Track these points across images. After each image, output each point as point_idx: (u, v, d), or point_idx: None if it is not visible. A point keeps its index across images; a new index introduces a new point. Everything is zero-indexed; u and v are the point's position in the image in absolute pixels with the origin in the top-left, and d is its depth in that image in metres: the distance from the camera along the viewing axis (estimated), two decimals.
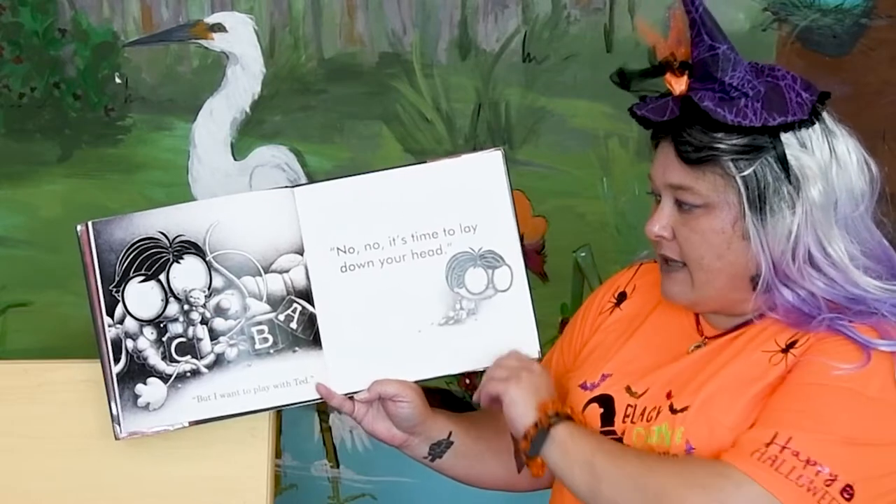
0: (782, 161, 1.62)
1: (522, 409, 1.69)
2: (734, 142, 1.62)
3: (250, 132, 2.44)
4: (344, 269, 1.80)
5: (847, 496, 1.55)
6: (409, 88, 2.42)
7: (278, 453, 2.45)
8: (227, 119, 2.43)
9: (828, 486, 1.54)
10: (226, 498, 1.86)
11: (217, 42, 2.42)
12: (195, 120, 2.43)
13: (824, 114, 1.66)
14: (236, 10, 2.41)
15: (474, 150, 2.39)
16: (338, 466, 2.54)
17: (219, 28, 2.41)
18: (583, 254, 2.44)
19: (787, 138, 1.63)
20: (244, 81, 2.42)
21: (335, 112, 2.43)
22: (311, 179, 2.43)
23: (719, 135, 1.62)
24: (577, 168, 2.43)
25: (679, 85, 1.67)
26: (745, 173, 1.62)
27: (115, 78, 2.43)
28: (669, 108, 1.67)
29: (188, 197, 2.43)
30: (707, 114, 1.62)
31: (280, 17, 2.41)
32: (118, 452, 1.80)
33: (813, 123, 1.64)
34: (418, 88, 2.42)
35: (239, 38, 2.42)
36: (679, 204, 1.67)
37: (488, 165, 1.82)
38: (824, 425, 1.56)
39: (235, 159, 2.45)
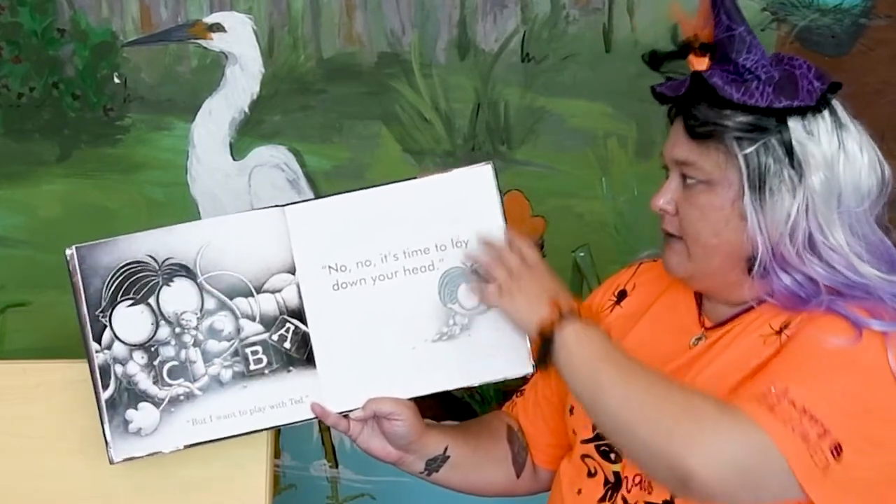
0: (787, 146, 1.64)
1: (526, 317, 1.70)
2: (739, 119, 1.64)
3: (249, 132, 2.44)
4: (336, 287, 1.79)
5: (836, 454, 1.54)
6: (407, 88, 2.42)
7: (277, 453, 2.45)
8: (226, 119, 2.43)
9: (820, 438, 1.54)
10: (225, 498, 1.86)
11: (216, 42, 2.42)
12: (194, 120, 2.43)
13: (839, 108, 1.68)
14: (235, 10, 2.41)
15: (472, 150, 2.39)
16: (337, 466, 2.54)
17: (218, 28, 2.41)
18: (581, 254, 2.44)
19: (793, 124, 1.64)
20: (243, 81, 2.42)
21: (334, 112, 2.43)
22: (310, 179, 2.43)
23: (725, 111, 1.65)
24: (575, 168, 2.43)
25: (700, 65, 1.69)
26: (747, 152, 1.64)
27: (114, 78, 2.43)
28: (685, 85, 1.69)
29: (187, 197, 2.43)
30: (715, 90, 1.64)
31: (279, 17, 2.41)
32: None
33: (819, 111, 1.66)
34: (417, 88, 2.42)
35: (238, 38, 2.41)
36: (684, 179, 1.69)
37: (479, 179, 1.80)
38: (820, 383, 1.57)
39: (234, 159, 2.45)
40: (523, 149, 2.43)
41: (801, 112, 1.64)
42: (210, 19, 2.41)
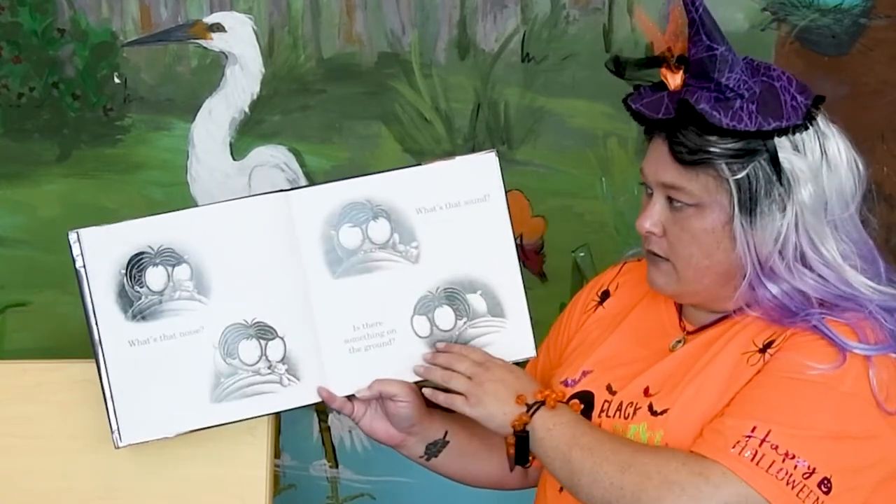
0: (775, 164, 1.62)
1: (499, 420, 1.72)
2: (728, 145, 1.62)
3: (249, 132, 2.44)
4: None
5: (825, 489, 1.56)
6: (407, 88, 2.42)
7: (277, 453, 2.45)
8: (225, 119, 2.43)
9: (806, 478, 1.55)
10: (225, 498, 1.86)
11: (216, 42, 2.42)
12: (194, 120, 2.43)
13: (818, 116, 1.65)
14: (235, 10, 2.41)
15: (472, 150, 2.40)
16: (336, 466, 2.54)
17: (218, 28, 2.41)
18: (581, 254, 2.44)
19: (780, 141, 1.63)
20: (243, 81, 2.42)
21: (334, 112, 2.43)
22: (310, 179, 2.44)
23: (713, 138, 1.62)
24: (575, 168, 2.43)
25: (674, 79, 1.67)
26: (739, 176, 1.62)
27: (113, 78, 2.43)
28: (665, 105, 1.66)
29: (187, 197, 2.43)
30: (702, 116, 1.61)
31: (279, 17, 2.41)
32: (117, 452, 1.80)
33: (807, 128, 1.63)
34: (417, 88, 2.42)
35: (238, 37, 2.42)
36: (671, 201, 1.68)
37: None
38: (801, 419, 1.58)
39: (234, 159, 2.45)
40: (523, 149, 2.43)
41: (789, 130, 1.63)
42: (210, 19, 2.41)
